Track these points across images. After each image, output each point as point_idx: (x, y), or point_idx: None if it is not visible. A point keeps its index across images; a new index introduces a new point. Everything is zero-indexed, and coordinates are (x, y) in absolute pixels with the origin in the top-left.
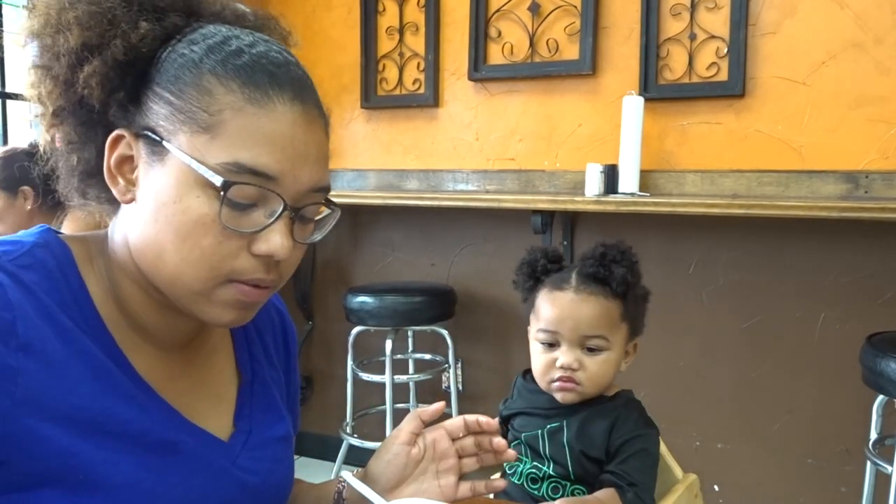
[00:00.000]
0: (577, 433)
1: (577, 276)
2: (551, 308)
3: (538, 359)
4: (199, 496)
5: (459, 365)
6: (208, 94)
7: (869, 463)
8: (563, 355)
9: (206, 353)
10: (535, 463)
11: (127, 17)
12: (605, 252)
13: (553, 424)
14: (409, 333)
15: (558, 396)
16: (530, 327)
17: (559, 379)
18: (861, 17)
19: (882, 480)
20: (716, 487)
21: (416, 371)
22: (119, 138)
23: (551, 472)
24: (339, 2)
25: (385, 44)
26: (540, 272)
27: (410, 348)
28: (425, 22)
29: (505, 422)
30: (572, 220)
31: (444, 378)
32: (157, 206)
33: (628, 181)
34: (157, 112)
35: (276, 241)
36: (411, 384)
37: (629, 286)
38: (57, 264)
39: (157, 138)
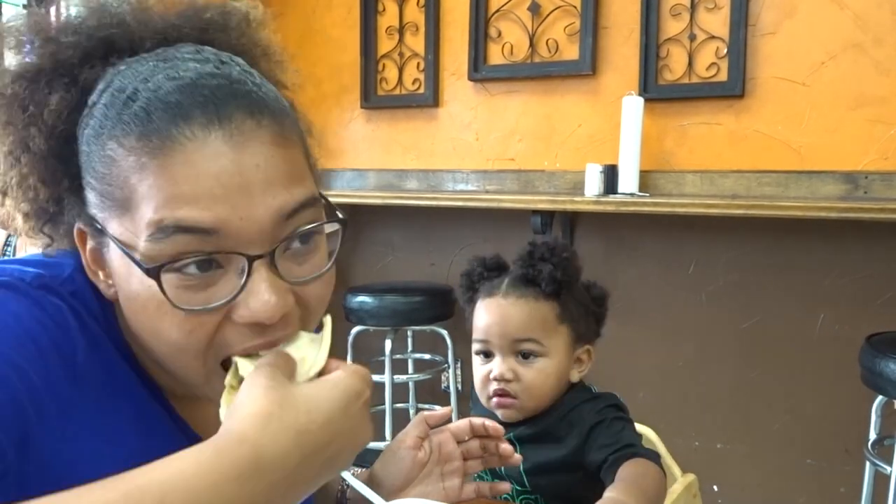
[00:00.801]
0: (533, 470)
1: (508, 280)
2: (481, 316)
3: (477, 374)
4: None
5: (459, 365)
6: (112, 163)
7: (868, 463)
8: (496, 366)
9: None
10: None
11: (36, 97)
12: (532, 251)
13: (513, 432)
14: (409, 333)
15: (499, 413)
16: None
17: (495, 394)
18: (861, 17)
19: (881, 481)
20: (715, 487)
21: (416, 371)
22: (81, 233)
23: (517, 487)
24: (338, 2)
25: (385, 44)
26: (476, 280)
27: (410, 348)
28: (425, 22)
29: None
30: (572, 221)
31: (443, 378)
32: (124, 299)
33: (628, 181)
34: (90, 200)
35: (255, 303)
36: (411, 384)
37: (560, 285)
38: (94, 294)
39: (100, 228)
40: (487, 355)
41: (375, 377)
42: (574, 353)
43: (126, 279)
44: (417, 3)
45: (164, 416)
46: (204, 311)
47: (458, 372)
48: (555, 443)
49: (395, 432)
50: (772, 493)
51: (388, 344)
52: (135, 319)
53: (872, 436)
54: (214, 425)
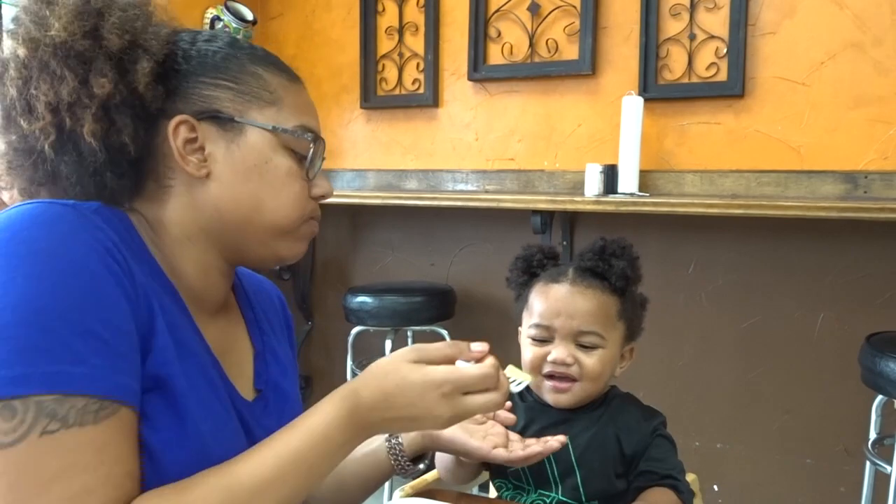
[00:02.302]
0: (585, 448)
1: (575, 270)
2: (545, 301)
3: (531, 353)
4: (230, 444)
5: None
6: (261, 78)
7: (868, 463)
8: (557, 350)
9: (230, 325)
10: (540, 491)
11: (143, 24)
12: (604, 246)
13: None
14: (409, 333)
15: (550, 398)
16: (521, 327)
17: (553, 377)
18: (860, 17)
19: (881, 480)
20: (715, 487)
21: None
22: (180, 124)
23: (561, 497)
24: (338, 2)
25: (384, 44)
26: (536, 266)
27: None
28: (425, 22)
29: None
30: (572, 221)
31: None
32: (247, 170)
33: (628, 181)
34: (218, 97)
35: (326, 184)
36: None
37: (628, 282)
38: (123, 226)
39: (228, 117)
40: (544, 341)
41: None
42: (622, 350)
43: (262, 151)
44: (417, 4)
45: (184, 318)
46: (307, 180)
47: None
48: (607, 435)
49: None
50: (772, 492)
51: (388, 344)
52: (246, 189)
53: (872, 435)
54: (207, 330)
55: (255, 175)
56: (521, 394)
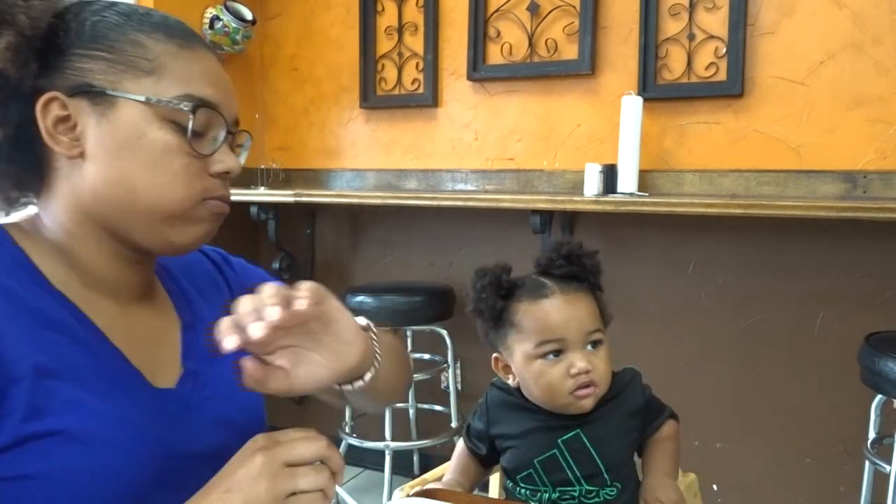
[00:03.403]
0: (604, 439)
1: (553, 280)
2: (548, 315)
3: (547, 375)
4: (162, 435)
5: (458, 365)
6: (141, 46)
7: (867, 462)
8: (578, 360)
9: (152, 306)
10: (561, 488)
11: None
12: (570, 250)
13: (567, 436)
14: (408, 333)
15: (575, 409)
16: (506, 352)
17: (579, 387)
18: (859, 17)
19: (880, 480)
20: (714, 487)
21: (415, 371)
22: (50, 101)
23: (588, 487)
24: (337, 1)
25: (384, 44)
26: (506, 287)
27: (409, 348)
28: (424, 22)
29: (482, 438)
30: (571, 220)
31: (443, 378)
32: (118, 147)
33: (627, 181)
34: (91, 69)
35: (229, 159)
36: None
37: (599, 276)
38: None
39: (100, 89)
40: (558, 353)
41: None
42: None
43: (134, 126)
44: (416, 3)
45: (68, 320)
46: (198, 155)
47: (458, 372)
48: (617, 418)
49: (393, 432)
50: (771, 492)
51: None
52: (118, 169)
53: (872, 435)
54: (113, 323)
55: (126, 152)
56: (503, 392)
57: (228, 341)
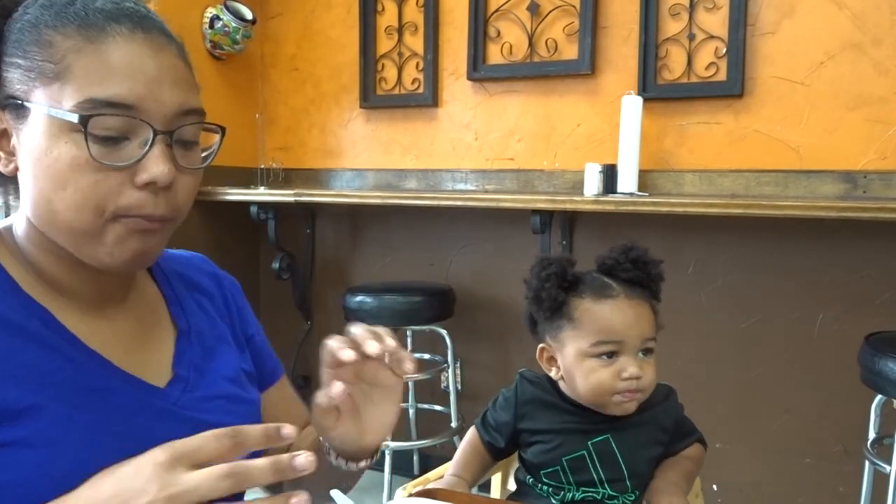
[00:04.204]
0: (631, 446)
1: (619, 282)
2: (611, 316)
3: (598, 375)
4: (142, 435)
5: (458, 364)
6: (49, 46)
7: (867, 463)
8: (631, 365)
9: (141, 310)
10: (584, 489)
11: None
12: (639, 255)
13: (597, 439)
14: (408, 333)
15: (619, 410)
16: (556, 344)
17: (625, 392)
18: (859, 17)
19: (880, 480)
20: (714, 487)
21: (415, 370)
22: None
23: (611, 492)
24: (337, 1)
25: (384, 43)
26: (570, 280)
27: (409, 348)
28: (424, 22)
29: (505, 430)
30: (571, 220)
31: (443, 378)
32: (33, 164)
33: (627, 181)
34: (11, 79)
35: (155, 168)
36: (410, 384)
37: (661, 285)
38: None
39: (18, 101)
40: (612, 355)
41: None
42: None
43: (43, 140)
44: (416, 3)
45: (37, 327)
46: (112, 167)
47: (458, 371)
48: (648, 428)
49: (394, 433)
50: (771, 492)
51: None
52: (37, 188)
53: (871, 435)
54: (89, 327)
55: (39, 170)
56: (535, 386)
57: (346, 353)
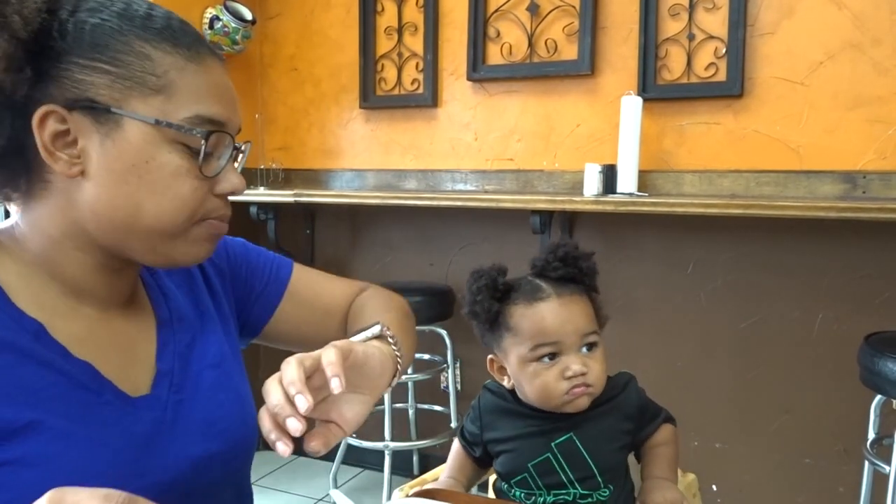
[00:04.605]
0: (596, 441)
1: (550, 283)
2: (544, 318)
3: (542, 378)
4: (138, 447)
5: (458, 365)
6: (148, 58)
7: (867, 463)
8: (573, 363)
9: (131, 308)
10: (555, 492)
11: None
12: (566, 252)
13: (560, 439)
14: None
15: (571, 407)
16: (501, 354)
17: (572, 390)
18: (859, 17)
19: (880, 480)
20: (714, 487)
21: (415, 371)
22: (47, 115)
23: (582, 491)
24: (337, 2)
25: (384, 44)
26: (501, 289)
27: None
28: (424, 22)
29: (476, 442)
30: (571, 220)
31: (442, 378)
32: (125, 171)
33: (627, 181)
34: (93, 83)
35: (234, 179)
36: (410, 384)
37: (595, 278)
38: None
39: (104, 107)
40: (553, 356)
41: None
42: None
43: (143, 149)
44: (416, 4)
45: (26, 341)
46: (207, 178)
47: (458, 372)
48: (610, 420)
49: (393, 432)
50: (770, 492)
51: None
52: (124, 192)
53: (871, 435)
54: (82, 335)
55: (133, 176)
56: (496, 396)
57: (283, 450)
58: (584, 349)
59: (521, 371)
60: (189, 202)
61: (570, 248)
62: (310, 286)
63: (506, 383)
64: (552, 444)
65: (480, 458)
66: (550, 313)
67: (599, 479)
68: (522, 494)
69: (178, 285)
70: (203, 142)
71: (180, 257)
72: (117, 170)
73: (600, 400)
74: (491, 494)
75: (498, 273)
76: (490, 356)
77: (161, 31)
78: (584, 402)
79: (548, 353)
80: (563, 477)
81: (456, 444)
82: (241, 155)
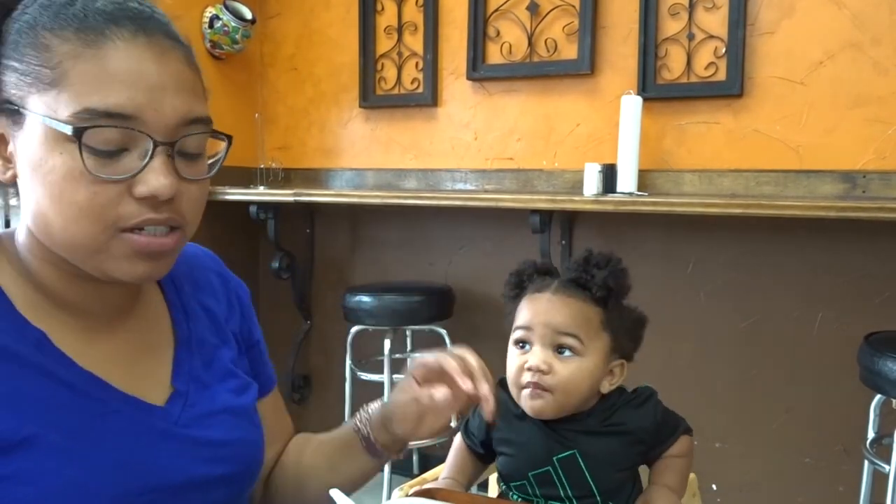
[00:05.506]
0: (595, 456)
1: (559, 281)
2: (528, 308)
3: (511, 363)
4: (144, 459)
5: None
6: (46, 49)
7: (866, 462)
8: (533, 356)
9: (142, 322)
10: (552, 503)
11: None
12: (589, 257)
13: (563, 455)
14: (408, 333)
15: (527, 406)
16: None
17: (528, 384)
18: (859, 17)
19: (879, 480)
20: (714, 486)
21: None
22: None
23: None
24: (337, 1)
25: (383, 43)
26: (526, 279)
27: (409, 347)
28: (424, 21)
29: (477, 440)
30: (570, 220)
31: None
32: (31, 174)
33: (626, 181)
34: (7, 82)
35: (154, 180)
36: None
37: (609, 292)
38: None
39: (14, 107)
40: (524, 346)
41: (375, 377)
42: (609, 364)
43: (39, 150)
44: (416, 3)
45: (30, 352)
46: (109, 180)
47: None
48: (618, 442)
49: None
50: (770, 492)
51: (386, 343)
52: (34, 198)
53: (871, 435)
54: (87, 347)
55: (36, 181)
56: (511, 413)
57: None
58: (557, 351)
59: (508, 356)
60: (86, 209)
61: (594, 255)
62: (272, 409)
63: None
64: (554, 457)
65: (483, 454)
66: (535, 302)
67: (598, 499)
68: (521, 499)
69: (203, 306)
70: (76, 139)
71: (115, 273)
72: (26, 172)
73: (614, 416)
74: (492, 491)
75: (536, 269)
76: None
77: (72, 17)
78: (538, 405)
79: (519, 339)
80: (562, 492)
81: (458, 441)
82: (199, 145)
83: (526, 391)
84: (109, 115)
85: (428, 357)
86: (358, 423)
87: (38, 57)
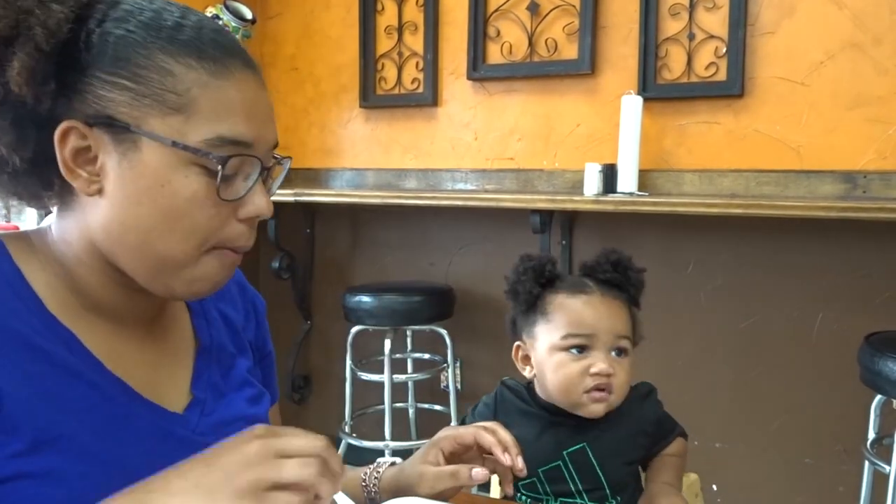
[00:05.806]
0: (606, 452)
1: (596, 281)
2: (582, 310)
3: (567, 369)
4: (164, 466)
5: (458, 364)
6: (170, 74)
7: (867, 462)
8: (601, 361)
9: (165, 327)
10: (562, 499)
11: (37, 2)
12: (618, 259)
13: (573, 448)
14: (408, 333)
15: (589, 409)
16: (530, 340)
17: (594, 388)
18: (859, 17)
19: (880, 480)
20: (714, 487)
21: (415, 370)
22: (68, 130)
23: (589, 502)
24: (337, 1)
25: (384, 43)
26: (548, 276)
27: (409, 348)
28: (424, 21)
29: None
30: (571, 220)
31: (442, 377)
32: (138, 191)
33: (627, 181)
34: (114, 99)
35: (260, 202)
36: (410, 383)
37: (641, 292)
38: None
39: (123, 125)
40: (582, 350)
41: (375, 377)
42: None
43: (158, 171)
44: (416, 3)
45: (59, 350)
46: (227, 203)
47: (458, 371)
48: (625, 432)
49: (393, 432)
50: (770, 492)
51: (387, 343)
52: (135, 214)
53: (871, 435)
54: (114, 349)
55: (147, 199)
56: (514, 395)
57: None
58: (615, 353)
59: (547, 359)
60: (202, 229)
61: (623, 256)
62: (272, 423)
63: (527, 373)
64: (564, 452)
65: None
66: (589, 306)
67: (607, 492)
68: (528, 499)
69: (222, 314)
70: (220, 167)
71: (180, 289)
72: (132, 191)
73: (619, 411)
74: (494, 493)
75: (547, 261)
76: (517, 343)
77: (187, 44)
78: (599, 409)
79: (578, 345)
80: (572, 486)
81: None
82: (273, 173)
83: (590, 395)
84: (235, 143)
85: (462, 430)
86: (365, 479)
87: (161, 80)
